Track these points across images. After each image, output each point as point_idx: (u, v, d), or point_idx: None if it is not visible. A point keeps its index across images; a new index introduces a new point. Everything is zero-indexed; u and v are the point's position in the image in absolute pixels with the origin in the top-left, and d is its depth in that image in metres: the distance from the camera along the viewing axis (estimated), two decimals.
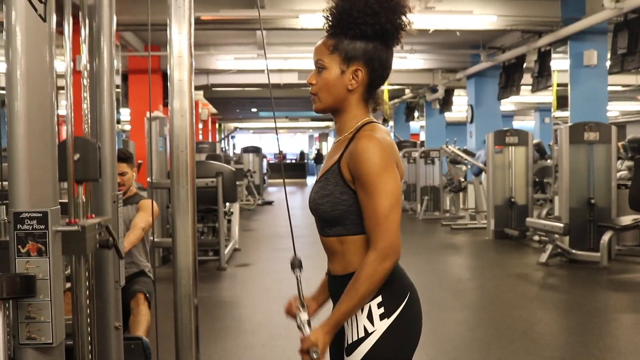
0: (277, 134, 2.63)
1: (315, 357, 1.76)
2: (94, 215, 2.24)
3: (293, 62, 12.68)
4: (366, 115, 1.89)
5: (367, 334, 1.79)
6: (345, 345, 1.84)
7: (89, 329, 2.26)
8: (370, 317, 1.79)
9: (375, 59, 1.84)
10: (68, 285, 2.32)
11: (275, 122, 2.53)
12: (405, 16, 1.84)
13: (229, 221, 9.16)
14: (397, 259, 1.77)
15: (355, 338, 1.80)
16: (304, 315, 1.87)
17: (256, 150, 20.34)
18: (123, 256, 2.44)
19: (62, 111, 2.75)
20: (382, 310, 1.79)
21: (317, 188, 1.88)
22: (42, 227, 1.70)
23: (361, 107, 1.89)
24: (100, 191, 2.42)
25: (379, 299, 1.79)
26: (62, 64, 2.12)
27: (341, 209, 1.81)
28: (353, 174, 1.78)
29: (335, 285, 1.89)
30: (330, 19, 1.85)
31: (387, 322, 1.79)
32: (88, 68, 2.37)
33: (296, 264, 1.96)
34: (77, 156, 2.12)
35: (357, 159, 1.75)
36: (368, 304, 1.79)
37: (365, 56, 1.83)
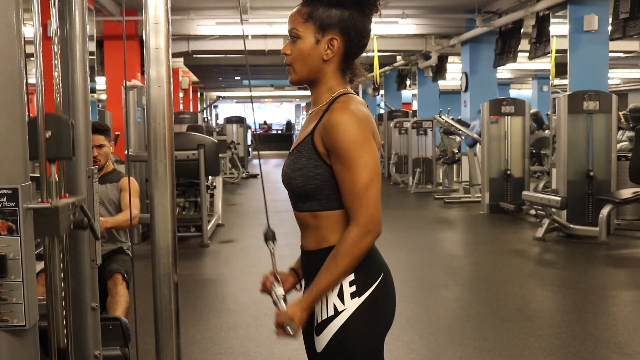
0: (252, 103, 2.61)
1: (290, 332, 1.78)
2: (67, 195, 2.23)
3: (279, 28, 12.58)
4: (342, 87, 1.90)
5: (337, 313, 1.81)
6: (315, 324, 1.85)
7: (64, 310, 2.26)
8: (341, 296, 1.81)
9: (351, 28, 1.84)
10: (41, 265, 2.31)
11: (250, 90, 2.52)
12: None
13: (212, 195, 9.17)
14: (379, 233, 1.79)
15: (325, 317, 1.82)
16: (279, 290, 1.89)
17: (240, 120, 20.26)
18: (99, 237, 2.42)
19: (32, 80, 2.71)
20: (353, 288, 1.81)
21: (290, 161, 1.88)
22: (12, 204, 1.69)
23: (337, 77, 1.89)
24: (74, 168, 2.40)
25: (351, 277, 1.81)
26: (30, 30, 2.09)
27: (314, 183, 1.82)
28: (328, 147, 1.78)
29: (308, 260, 1.91)
30: None
31: (358, 301, 1.81)
32: (59, 34, 2.33)
33: (269, 236, 1.97)
34: (49, 133, 2.09)
35: (332, 131, 1.76)
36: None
37: (341, 24, 1.83)
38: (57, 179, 2.12)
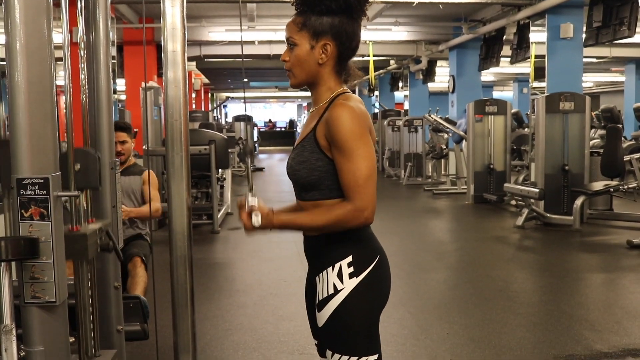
0: (244, 102, 2.62)
1: (255, 222, 1.76)
2: (94, 220, 2.25)
3: (283, 34, 12.47)
4: (339, 86, 1.91)
5: (337, 291, 1.82)
6: (317, 301, 1.87)
7: (89, 289, 2.28)
8: (340, 276, 1.83)
9: (342, 32, 1.85)
10: None
11: (245, 92, 2.53)
12: None
13: (222, 187, 9.17)
14: (367, 221, 1.80)
15: (325, 295, 1.84)
16: (253, 200, 1.82)
17: (247, 118, 20.24)
18: (122, 259, 2.45)
19: (60, 81, 2.73)
20: (351, 269, 1.83)
21: (294, 155, 1.90)
22: (44, 192, 1.71)
23: (333, 79, 1.90)
24: (101, 197, 2.41)
25: (349, 258, 1.83)
26: (59, 36, 2.10)
27: (317, 174, 1.83)
28: (330, 140, 1.79)
29: (311, 245, 1.93)
30: None
31: (356, 280, 1.83)
32: (85, 39, 2.35)
33: (247, 152, 1.96)
34: (77, 166, 2.12)
35: (333, 125, 1.77)
36: (339, 263, 1.83)
37: (332, 30, 1.84)
38: (85, 207, 2.14)
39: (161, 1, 2.25)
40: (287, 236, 7.43)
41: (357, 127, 1.77)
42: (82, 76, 2.34)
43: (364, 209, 1.77)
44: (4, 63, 1.71)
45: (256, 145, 21.14)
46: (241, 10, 11.54)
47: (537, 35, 10.79)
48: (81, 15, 2.33)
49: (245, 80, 24.08)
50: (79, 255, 2.08)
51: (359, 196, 1.76)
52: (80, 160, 2.13)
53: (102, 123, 2.39)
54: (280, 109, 42.37)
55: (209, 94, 30.22)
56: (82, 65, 2.33)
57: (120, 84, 12.66)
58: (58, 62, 2.24)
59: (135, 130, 5.98)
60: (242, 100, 38.40)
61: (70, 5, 2.11)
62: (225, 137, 8.48)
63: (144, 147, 7.64)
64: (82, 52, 2.31)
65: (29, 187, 1.70)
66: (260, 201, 1.84)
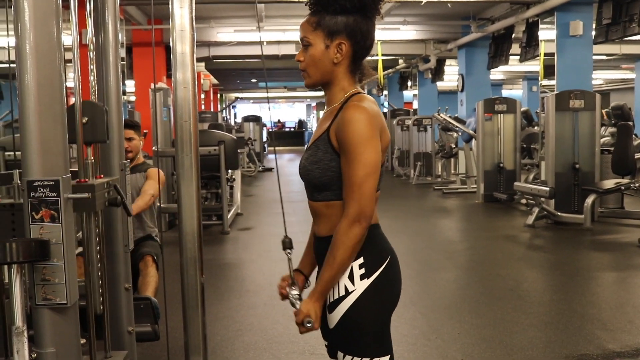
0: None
1: (309, 326, 1.79)
2: (102, 176, 2.25)
3: (291, 34, 12.55)
4: (353, 87, 1.90)
5: (348, 293, 1.81)
6: (327, 303, 1.86)
7: (100, 290, 2.28)
8: (351, 277, 1.81)
9: (356, 31, 1.84)
10: (80, 249, 2.33)
11: (267, 91, 2.52)
12: None
13: (231, 187, 9.18)
14: (367, 225, 1.77)
15: (336, 296, 1.83)
16: (294, 292, 1.89)
17: (256, 119, 20.27)
18: (131, 214, 2.44)
19: (70, 83, 2.73)
20: (362, 270, 1.81)
21: (307, 155, 1.89)
22: (54, 194, 1.71)
23: (348, 78, 1.89)
24: (108, 154, 2.41)
25: (360, 260, 1.82)
26: (69, 38, 2.10)
27: (330, 175, 1.82)
28: (339, 140, 1.78)
29: (322, 246, 1.92)
30: None
31: (367, 282, 1.81)
32: (94, 41, 2.35)
33: (287, 245, 1.97)
34: (85, 119, 2.11)
35: (344, 126, 1.76)
36: (350, 265, 1.81)
37: (347, 29, 1.83)
38: (93, 161, 2.13)
39: (170, 2, 2.25)
40: (296, 236, 7.39)
41: (366, 130, 1.75)
42: (92, 78, 2.35)
43: (358, 215, 1.75)
44: (14, 65, 1.71)
45: (265, 145, 21.13)
46: (247, 11, 11.56)
47: (546, 33, 10.74)
48: (90, 18, 2.33)
49: (255, 80, 24.11)
50: (86, 207, 2.06)
51: (352, 202, 1.75)
52: (87, 114, 2.12)
53: (111, 124, 2.39)
54: (289, 109, 42.37)
55: (218, 95, 30.26)
56: (92, 66, 2.33)
57: (130, 85, 12.70)
58: (68, 64, 2.24)
59: (144, 131, 5.99)
60: (252, 101, 38.44)
61: (79, 8, 2.12)
62: (235, 137, 8.48)
63: (153, 148, 7.66)
64: (91, 53, 2.31)
65: (40, 189, 1.70)
66: (299, 290, 1.92)
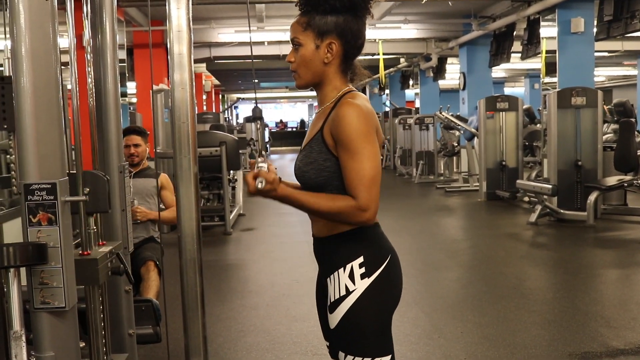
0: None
1: (259, 185, 1.71)
2: (105, 242, 2.25)
3: None
4: (345, 85, 1.89)
5: (349, 292, 1.81)
6: (328, 303, 1.85)
7: (100, 293, 2.27)
8: (352, 277, 1.81)
9: (347, 31, 1.83)
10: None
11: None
12: None
13: (234, 188, 9.18)
14: (368, 221, 1.77)
15: (337, 296, 1.82)
16: (263, 164, 1.79)
17: (259, 118, 20.23)
18: (133, 281, 2.47)
19: (67, 85, 2.72)
20: (363, 270, 1.81)
21: (302, 156, 1.88)
22: (52, 197, 1.70)
23: (339, 78, 1.88)
24: (111, 218, 2.41)
25: (361, 259, 1.81)
26: (65, 41, 2.10)
27: (325, 175, 1.81)
28: (336, 138, 1.77)
29: (320, 246, 1.91)
30: None
31: (368, 281, 1.81)
32: (91, 44, 2.34)
33: (257, 114, 1.95)
34: (86, 190, 2.12)
35: (340, 123, 1.75)
36: (350, 264, 1.81)
37: (337, 29, 1.82)
38: (95, 230, 2.14)
39: (167, 4, 2.25)
40: (299, 237, 7.43)
41: (363, 125, 1.75)
42: (89, 80, 2.35)
43: (366, 208, 1.74)
44: (8, 68, 1.70)
45: (267, 145, 21.13)
46: (250, 10, 11.55)
47: (548, 30, 10.71)
48: (87, 19, 2.33)
49: (256, 81, 24.11)
50: (90, 281, 2.09)
51: (363, 195, 1.74)
52: (89, 185, 2.13)
53: (110, 126, 2.38)
54: (291, 109, 42.35)
55: (220, 96, 30.27)
56: (89, 69, 2.33)
57: (131, 87, 12.69)
58: (65, 67, 2.24)
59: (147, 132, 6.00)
60: (254, 102, 38.46)
61: (76, 10, 2.11)
62: (236, 138, 8.48)
63: (154, 149, 7.65)
64: (88, 55, 2.31)
65: (37, 193, 1.70)
66: (271, 166, 1.81)
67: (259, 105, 38.25)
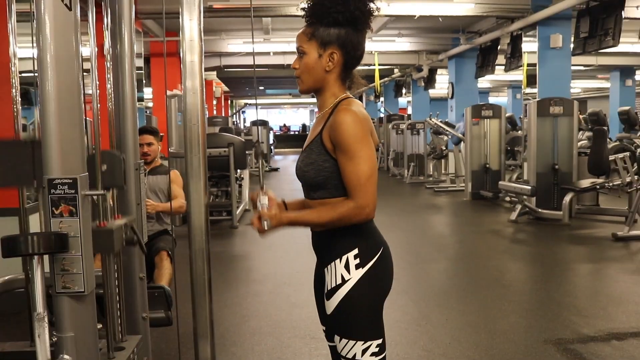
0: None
1: (265, 226, 1.75)
2: (120, 216, 2.25)
3: (295, 46, 12.52)
4: (343, 92, 1.90)
5: (344, 281, 1.81)
6: (325, 291, 1.86)
7: (116, 280, 2.28)
8: (347, 267, 1.81)
9: (348, 42, 1.84)
10: None
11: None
12: (373, 3, 1.85)
13: (240, 185, 9.18)
14: (370, 216, 1.79)
15: (334, 285, 1.83)
16: (264, 199, 1.82)
17: (264, 123, 20.24)
18: (146, 252, 2.46)
19: (88, 91, 2.73)
20: (357, 261, 1.82)
21: (303, 157, 1.89)
22: (73, 191, 1.70)
23: (338, 85, 1.89)
24: (126, 194, 2.40)
25: (355, 251, 1.82)
26: (87, 49, 2.10)
27: (324, 175, 1.82)
28: (334, 142, 1.78)
29: (319, 240, 1.92)
30: (307, 10, 1.86)
31: (362, 271, 1.82)
32: (111, 52, 2.35)
33: (258, 152, 1.96)
34: (104, 167, 2.12)
35: (337, 128, 1.76)
36: (345, 256, 1.81)
37: (339, 40, 1.83)
38: (111, 204, 2.14)
39: (180, 16, 2.25)
40: (300, 231, 7.40)
41: (359, 130, 1.75)
42: (109, 86, 2.35)
43: (366, 206, 1.76)
44: (36, 74, 1.71)
45: (272, 147, 21.13)
46: (257, 23, 11.55)
47: (529, 45, 10.70)
48: (107, 30, 2.33)
49: (262, 88, 24.09)
50: (106, 249, 2.08)
51: (361, 194, 1.75)
52: (106, 162, 2.13)
53: (127, 128, 2.38)
54: (294, 114, 42.31)
55: (229, 101, 30.23)
56: (109, 76, 2.33)
57: (148, 92, 12.68)
58: (86, 73, 2.24)
59: (160, 134, 6.00)
60: (260, 107, 38.42)
61: (97, 21, 2.11)
62: (243, 140, 8.48)
63: (169, 149, 7.66)
64: (108, 63, 2.31)
65: (59, 187, 1.70)
66: (271, 198, 1.84)
67: (265, 111, 38.17)
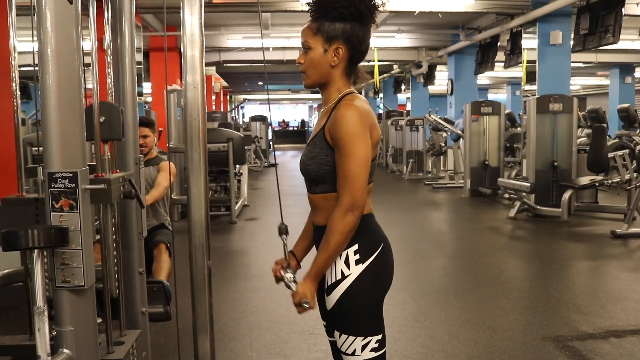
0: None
1: (306, 307, 1.79)
2: (118, 171, 2.24)
3: (295, 41, 12.52)
4: (348, 87, 1.89)
5: (344, 277, 1.81)
6: (325, 286, 1.86)
7: (116, 274, 2.28)
8: (347, 263, 1.81)
9: (353, 37, 1.83)
10: (97, 237, 2.32)
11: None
12: None
13: (239, 181, 9.17)
14: (360, 214, 1.77)
15: (333, 280, 1.83)
16: (289, 274, 1.89)
17: (262, 119, 20.22)
18: (144, 206, 2.43)
19: (89, 85, 2.72)
20: (357, 256, 1.82)
21: (306, 151, 1.89)
22: (73, 185, 1.70)
23: (343, 80, 1.89)
24: (124, 151, 2.41)
25: (355, 247, 1.82)
26: (88, 44, 2.10)
27: (326, 169, 1.82)
28: (332, 137, 1.78)
29: (320, 234, 1.92)
30: (312, 4, 1.85)
31: (362, 267, 1.82)
32: (111, 47, 2.34)
33: (282, 231, 1.98)
34: (102, 118, 2.11)
35: (337, 123, 1.76)
36: (345, 251, 1.81)
37: (344, 35, 1.83)
38: (109, 157, 2.13)
39: (181, 10, 2.24)
40: (298, 226, 7.40)
41: (357, 127, 1.75)
42: (109, 80, 2.34)
43: (350, 205, 1.75)
44: (37, 68, 1.71)
45: (270, 143, 21.11)
46: (255, 19, 11.53)
47: (529, 42, 10.72)
48: (108, 25, 2.32)
49: (261, 83, 24.07)
50: (103, 200, 2.05)
51: (345, 194, 1.75)
52: (104, 114, 2.12)
53: (127, 122, 2.38)
54: (293, 109, 42.27)
55: (228, 96, 30.21)
56: (109, 70, 2.33)
57: (147, 87, 12.67)
58: (87, 68, 2.24)
59: (160, 129, 5.98)
60: (259, 102, 38.40)
61: (98, 15, 2.11)
62: (242, 135, 8.47)
63: (167, 144, 7.65)
64: (108, 57, 2.30)
65: (59, 181, 1.70)
66: (294, 265, 1.95)
67: (264, 107, 38.14)
